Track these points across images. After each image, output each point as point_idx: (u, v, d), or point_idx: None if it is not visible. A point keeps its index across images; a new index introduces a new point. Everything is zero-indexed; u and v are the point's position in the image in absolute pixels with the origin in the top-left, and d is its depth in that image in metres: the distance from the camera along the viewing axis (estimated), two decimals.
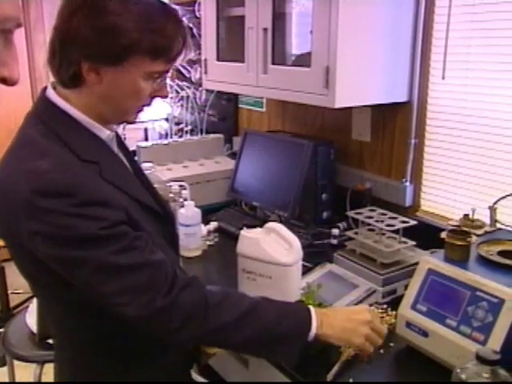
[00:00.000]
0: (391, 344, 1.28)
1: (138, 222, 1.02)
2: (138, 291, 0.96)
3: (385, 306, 1.39)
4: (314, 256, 1.68)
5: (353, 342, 1.10)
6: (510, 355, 1.05)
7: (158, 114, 3.03)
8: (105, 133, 1.06)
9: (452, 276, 1.18)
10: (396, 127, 1.89)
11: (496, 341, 1.07)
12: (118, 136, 1.16)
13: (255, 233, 1.44)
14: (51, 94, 1.03)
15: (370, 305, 1.41)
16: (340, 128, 2.10)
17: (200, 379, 1.70)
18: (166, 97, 1.07)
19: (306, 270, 1.55)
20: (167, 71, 1.04)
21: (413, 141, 1.81)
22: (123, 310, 0.96)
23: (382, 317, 1.33)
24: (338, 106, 1.61)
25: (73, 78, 0.99)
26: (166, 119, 2.97)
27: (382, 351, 1.25)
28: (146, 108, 1.08)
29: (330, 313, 1.12)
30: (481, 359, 0.91)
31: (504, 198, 1.44)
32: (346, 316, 1.11)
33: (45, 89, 1.05)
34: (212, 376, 1.63)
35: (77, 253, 0.93)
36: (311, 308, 1.10)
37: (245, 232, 1.45)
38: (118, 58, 0.96)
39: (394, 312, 1.33)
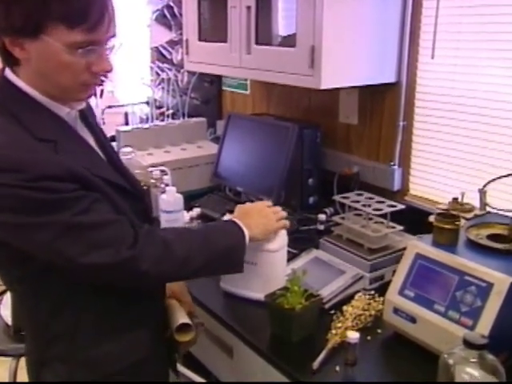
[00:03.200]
0: (379, 330, 1.29)
1: (99, 194, 1.03)
2: (104, 246, 1.00)
3: (372, 292, 1.39)
4: (300, 242, 1.68)
5: (273, 229, 1.35)
6: (499, 340, 1.06)
7: (138, 98, 3.00)
8: (63, 111, 1.06)
9: (440, 260, 1.18)
10: (384, 109, 1.88)
11: (484, 326, 1.07)
12: (84, 115, 1.16)
13: None
14: (8, 73, 1.04)
15: (357, 291, 1.41)
16: (327, 110, 2.10)
17: (186, 371, 1.71)
18: (108, 71, 1.04)
19: (291, 257, 1.55)
20: (97, 43, 0.99)
21: (401, 123, 1.81)
22: (92, 266, 1.00)
23: (369, 303, 1.34)
24: (323, 86, 1.60)
25: (4, 55, 1.02)
26: (147, 103, 2.95)
27: (369, 338, 1.26)
28: (96, 85, 1.07)
29: (246, 217, 1.29)
30: (468, 344, 0.92)
31: (494, 180, 1.44)
32: (256, 213, 1.32)
33: (4, 68, 1.06)
34: (196, 366, 1.63)
35: (35, 219, 0.96)
36: (235, 220, 1.26)
37: (228, 217, 1.45)
38: (30, 29, 0.96)
39: (381, 298, 1.33)
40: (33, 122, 1.00)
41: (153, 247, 1.06)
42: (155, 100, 2.92)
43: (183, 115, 2.70)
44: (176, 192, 1.83)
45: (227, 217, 1.45)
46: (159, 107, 2.92)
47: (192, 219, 1.98)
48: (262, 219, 1.32)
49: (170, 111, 2.83)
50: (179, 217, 1.83)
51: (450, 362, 0.93)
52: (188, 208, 2.00)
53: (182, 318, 1.26)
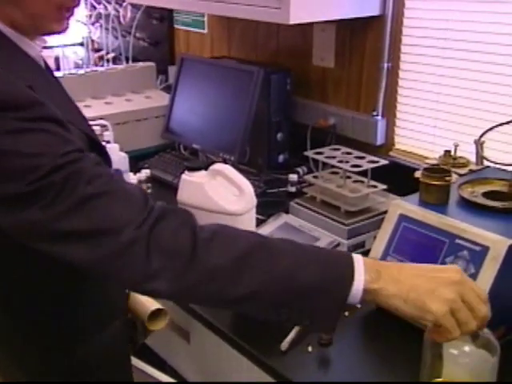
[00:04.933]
0: (358, 305, 1.30)
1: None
2: (102, 229, 0.86)
3: None
4: (268, 206, 1.69)
5: (429, 309, 0.86)
6: (495, 312, 1.08)
7: (70, 38, 2.93)
8: (35, 49, 1.03)
9: (427, 222, 1.20)
10: (365, 49, 1.88)
11: None
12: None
13: (199, 176, 1.44)
14: None
15: None
16: (298, 52, 2.09)
17: (137, 361, 1.71)
18: None
19: (257, 223, 1.55)
20: None
21: (385, 64, 1.81)
22: (84, 251, 0.86)
23: None
24: (293, 21, 1.58)
25: None
26: (82, 44, 2.89)
27: (346, 314, 1.28)
28: (72, 10, 1.02)
29: (393, 265, 0.96)
30: None
31: (492, 129, 1.45)
32: (419, 270, 0.91)
33: None
34: (149, 356, 1.64)
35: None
36: (355, 254, 0.91)
37: (186, 176, 1.45)
38: None
39: None
40: (5, 62, 0.94)
41: (170, 231, 0.87)
42: (92, 41, 2.86)
43: (127, 59, 2.66)
44: (120, 150, 1.81)
45: (186, 175, 1.44)
46: (97, 50, 2.87)
47: (140, 182, 1.97)
48: (423, 282, 0.88)
49: (111, 55, 2.77)
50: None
51: None
52: (135, 170, 1.99)
53: (152, 304, 1.28)
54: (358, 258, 0.89)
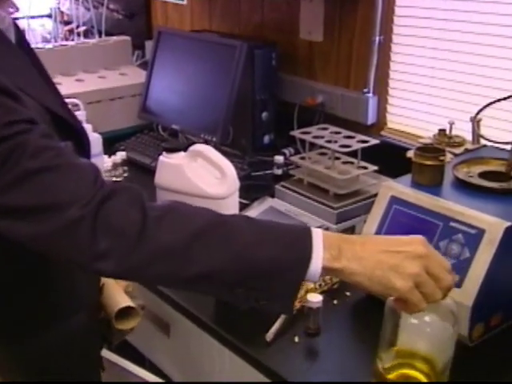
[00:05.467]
0: (347, 293, 1.33)
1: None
2: (46, 205, 0.87)
3: None
4: (253, 190, 1.71)
5: (393, 285, 0.88)
6: (492, 298, 1.11)
7: (37, 9, 2.90)
8: None
9: (420, 204, 1.21)
10: (356, 21, 1.89)
11: (474, 281, 1.11)
12: (18, 29, 1.11)
13: (177, 158, 1.44)
14: None
15: None
16: (284, 25, 2.09)
17: (113, 356, 1.73)
18: None
19: (241, 207, 1.57)
20: None
21: (377, 38, 1.82)
22: (28, 227, 0.88)
23: None
24: None
25: None
26: (50, 16, 2.86)
27: (335, 302, 1.30)
28: None
29: (357, 239, 0.95)
30: None
31: (489, 105, 1.46)
32: (383, 245, 0.92)
33: None
34: (128, 351, 1.65)
35: None
36: (315, 229, 0.92)
37: (165, 157, 1.45)
38: None
39: None
40: None
41: (119, 208, 0.88)
42: (61, 12, 2.83)
43: (100, 33, 2.63)
44: (93, 131, 1.81)
45: (164, 157, 1.44)
46: (67, 22, 2.84)
47: (116, 166, 1.98)
48: (387, 257, 0.90)
49: (82, 28, 2.74)
50: (98, 163, 1.81)
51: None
52: (110, 152, 1.99)
53: (123, 300, 1.26)
54: (317, 234, 0.90)
